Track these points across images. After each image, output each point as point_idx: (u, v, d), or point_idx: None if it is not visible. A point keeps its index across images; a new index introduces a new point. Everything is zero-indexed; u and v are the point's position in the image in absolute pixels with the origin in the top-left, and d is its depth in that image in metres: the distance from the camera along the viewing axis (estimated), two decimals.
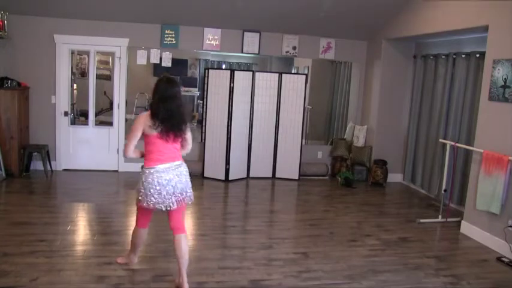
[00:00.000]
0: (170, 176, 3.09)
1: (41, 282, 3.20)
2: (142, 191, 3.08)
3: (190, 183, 3.26)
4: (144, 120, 3.03)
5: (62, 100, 6.45)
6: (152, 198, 3.07)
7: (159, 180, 3.05)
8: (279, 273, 3.60)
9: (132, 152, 3.13)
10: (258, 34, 6.76)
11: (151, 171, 3.06)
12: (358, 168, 6.99)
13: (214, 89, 6.48)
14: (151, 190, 3.05)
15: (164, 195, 3.08)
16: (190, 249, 4.03)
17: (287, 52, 6.95)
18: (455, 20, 5.07)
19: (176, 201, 3.13)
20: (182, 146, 3.22)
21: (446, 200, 5.30)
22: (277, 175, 6.88)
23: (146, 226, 3.38)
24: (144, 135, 3.08)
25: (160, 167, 3.07)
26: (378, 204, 5.88)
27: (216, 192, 6.04)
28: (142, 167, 3.16)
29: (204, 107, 6.65)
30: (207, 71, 6.63)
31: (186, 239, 3.26)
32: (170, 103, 3.00)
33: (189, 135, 3.20)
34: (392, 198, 6.27)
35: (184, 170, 3.21)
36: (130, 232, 4.40)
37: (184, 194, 3.18)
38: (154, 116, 2.99)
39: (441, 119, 6.00)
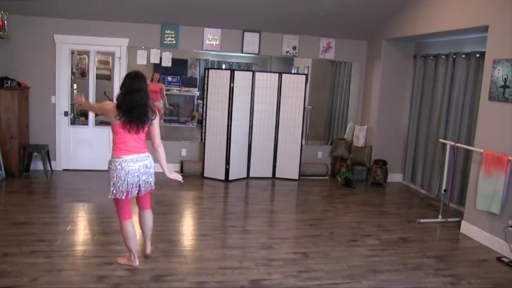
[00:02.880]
0: (136, 167, 3.26)
1: (41, 282, 3.20)
2: (113, 182, 3.22)
3: (153, 174, 3.42)
4: (111, 107, 3.26)
5: (62, 100, 6.45)
6: (122, 187, 3.22)
7: (126, 169, 3.22)
8: (279, 273, 3.60)
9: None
10: (258, 34, 6.76)
11: (119, 161, 3.23)
12: (358, 168, 6.99)
13: (214, 89, 6.48)
14: (121, 179, 3.21)
15: (131, 183, 3.26)
16: (190, 249, 4.05)
17: (287, 52, 6.95)
18: (455, 20, 5.07)
19: (142, 190, 3.34)
20: (152, 141, 3.40)
21: (446, 200, 5.30)
22: (277, 175, 6.88)
23: (130, 217, 3.40)
24: (111, 126, 3.30)
25: (127, 157, 3.24)
26: (378, 204, 5.87)
27: (216, 192, 6.04)
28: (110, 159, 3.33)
29: (204, 107, 6.65)
30: (207, 71, 6.64)
31: (151, 215, 3.58)
32: (134, 96, 3.19)
33: (154, 128, 3.36)
34: (392, 198, 6.26)
35: (149, 162, 3.37)
36: None
37: (147, 184, 3.37)
38: (118, 107, 3.22)
39: (441, 119, 6.00)
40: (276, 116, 6.76)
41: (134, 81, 3.24)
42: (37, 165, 6.32)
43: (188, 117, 9.96)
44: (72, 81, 6.73)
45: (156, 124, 3.36)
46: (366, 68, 7.24)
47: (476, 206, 4.57)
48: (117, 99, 3.27)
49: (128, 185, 3.23)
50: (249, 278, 3.49)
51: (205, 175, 6.63)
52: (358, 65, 7.28)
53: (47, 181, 6.06)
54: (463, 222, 4.87)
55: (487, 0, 4.61)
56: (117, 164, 3.23)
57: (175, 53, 6.71)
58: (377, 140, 6.96)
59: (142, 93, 3.22)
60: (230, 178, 6.54)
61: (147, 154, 3.36)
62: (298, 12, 6.19)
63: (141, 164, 3.29)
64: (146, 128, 3.31)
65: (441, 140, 5.68)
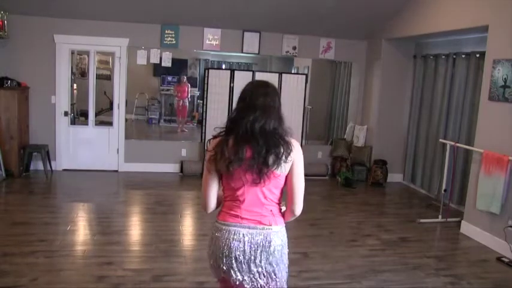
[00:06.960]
0: (250, 246, 1.98)
1: (41, 282, 3.20)
2: (211, 253, 2.03)
3: (285, 265, 2.10)
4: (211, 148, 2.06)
5: (62, 100, 6.44)
6: (225, 268, 1.98)
7: (233, 243, 1.97)
8: None
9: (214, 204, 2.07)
10: (258, 34, 6.76)
11: (224, 229, 2.00)
12: (358, 168, 6.98)
13: (214, 89, 6.48)
14: (221, 255, 1.98)
15: (236, 266, 1.97)
16: (190, 249, 4.04)
17: (287, 52, 6.95)
18: (455, 20, 5.07)
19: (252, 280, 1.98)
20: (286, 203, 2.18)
21: (446, 200, 5.30)
22: None
23: None
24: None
25: (237, 228, 1.99)
26: (378, 204, 5.88)
27: None
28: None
29: (204, 107, 6.65)
30: (207, 71, 6.64)
31: None
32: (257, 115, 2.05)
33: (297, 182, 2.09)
34: (392, 198, 6.26)
35: (276, 243, 2.07)
36: (130, 232, 4.46)
37: (269, 278, 2.00)
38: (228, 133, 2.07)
39: (441, 119, 6.00)
40: None
41: (259, 90, 2.07)
42: (37, 165, 6.32)
43: (188, 117, 9.96)
44: (72, 81, 6.73)
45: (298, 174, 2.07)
46: (366, 68, 7.23)
47: (476, 206, 4.57)
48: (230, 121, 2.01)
49: (233, 266, 1.98)
50: None
51: None
52: (358, 65, 7.27)
53: (47, 181, 6.06)
54: (463, 222, 4.87)
55: (487, 0, 4.61)
56: (220, 231, 2.00)
57: (175, 53, 6.71)
58: (377, 140, 6.96)
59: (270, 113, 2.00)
60: None
61: (271, 228, 2.09)
62: (298, 12, 6.19)
63: (260, 242, 2.01)
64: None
65: (441, 140, 5.68)
